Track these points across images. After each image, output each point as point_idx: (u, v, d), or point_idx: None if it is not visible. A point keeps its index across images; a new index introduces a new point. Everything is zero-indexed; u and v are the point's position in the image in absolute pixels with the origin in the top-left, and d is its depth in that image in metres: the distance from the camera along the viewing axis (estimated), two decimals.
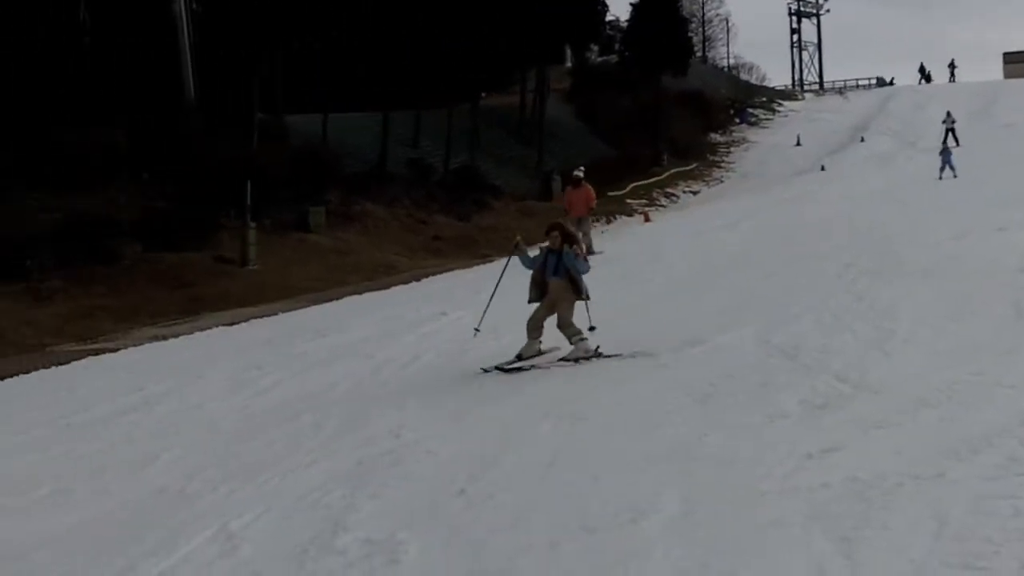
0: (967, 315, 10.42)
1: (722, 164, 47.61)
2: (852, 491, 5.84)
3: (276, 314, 17.98)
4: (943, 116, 39.88)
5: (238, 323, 17.29)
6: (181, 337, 16.55)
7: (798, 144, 48.18)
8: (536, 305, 10.80)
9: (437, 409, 9.29)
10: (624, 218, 35.39)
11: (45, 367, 14.61)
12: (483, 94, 41.83)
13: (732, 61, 70.11)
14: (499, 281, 11.74)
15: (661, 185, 42.35)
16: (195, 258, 23.14)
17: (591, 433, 7.82)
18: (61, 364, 14.80)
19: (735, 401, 8.20)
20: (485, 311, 11.69)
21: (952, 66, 64.52)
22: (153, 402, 11.17)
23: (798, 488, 6.04)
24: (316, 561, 5.88)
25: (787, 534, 5.39)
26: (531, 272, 10.88)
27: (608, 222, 34.23)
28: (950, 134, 37.86)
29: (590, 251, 20.30)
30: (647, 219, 31.44)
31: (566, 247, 10.65)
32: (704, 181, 44.19)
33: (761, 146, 49.83)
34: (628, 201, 38.69)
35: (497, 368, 10.49)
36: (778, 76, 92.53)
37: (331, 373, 11.67)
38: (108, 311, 19.32)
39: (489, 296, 11.83)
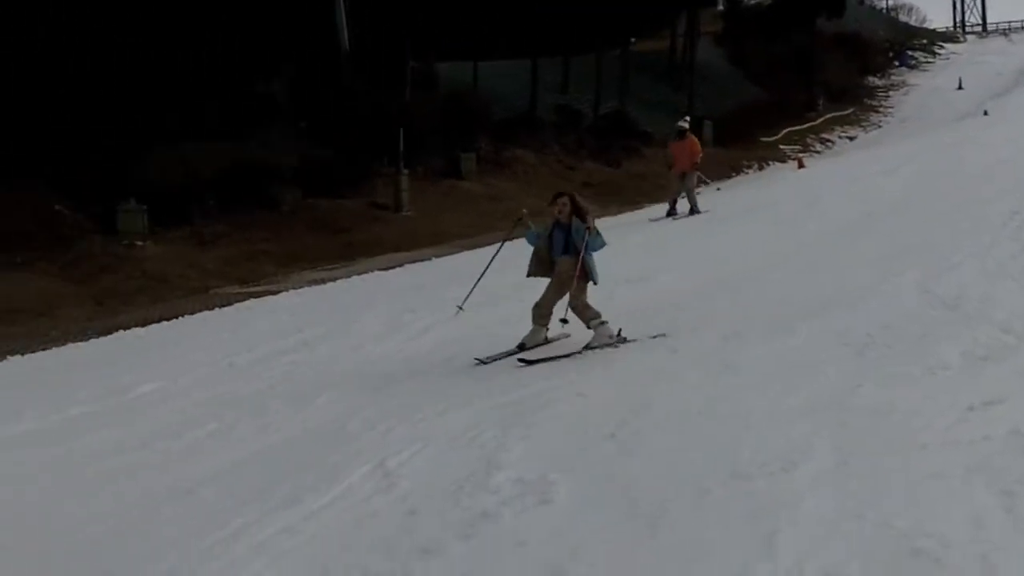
0: None
1: (880, 108, 46.14)
2: (1016, 444, 5.68)
3: (429, 259, 18.26)
4: None
5: (392, 268, 17.63)
6: (338, 281, 16.99)
7: (960, 87, 46.38)
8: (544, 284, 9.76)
9: (587, 354, 9.34)
10: (777, 164, 34.70)
11: (209, 309, 15.18)
12: (633, 39, 41.32)
13: (890, 2, 67.58)
14: (491, 260, 11.70)
15: (815, 131, 41.28)
16: (351, 204, 23.66)
17: (742, 382, 7.75)
18: (224, 306, 15.37)
19: (893, 352, 8.02)
20: (472, 290, 11.70)
21: None
22: (313, 343, 11.54)
23: (959, 440, 5.91)
24: (471, 498, 6.02)
25: (946, 486, 5.29)
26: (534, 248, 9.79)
27: (760, 168, 33.63)
28: None
29: (694, 210, 20.00)
30: (801, 165, 30.70)
31: (575, 220, 9.44)
32: (861, 126, 42.91)
33: (921, 90, 48.10)
34: (781, 147, 37.89)
35: (487, 360, 9.53)
36: (939, 18, 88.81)
37: (482, 317, 11.81)
38: (269, 255, 19.97)
39: (479, 275, 11.82)
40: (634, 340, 9.38)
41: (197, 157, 22.69)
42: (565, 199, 9.49)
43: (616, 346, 9.33)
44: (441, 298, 13.41)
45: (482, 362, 9.45)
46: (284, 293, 16.39)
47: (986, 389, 6.72)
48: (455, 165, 28.21)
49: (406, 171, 25.01)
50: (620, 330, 9.49)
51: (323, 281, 17.24)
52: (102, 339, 13.96)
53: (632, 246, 15.67)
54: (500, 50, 34.66)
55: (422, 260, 18.29)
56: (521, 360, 9.16)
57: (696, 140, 20.94)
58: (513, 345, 9.68)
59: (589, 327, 9.49)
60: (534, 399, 7.98)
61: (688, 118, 22.31)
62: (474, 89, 32.44)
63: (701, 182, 22.58)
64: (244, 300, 15.82)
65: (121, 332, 14.24)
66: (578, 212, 9.44)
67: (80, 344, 13.83)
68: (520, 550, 5.25)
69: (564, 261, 9.44)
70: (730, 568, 4.68)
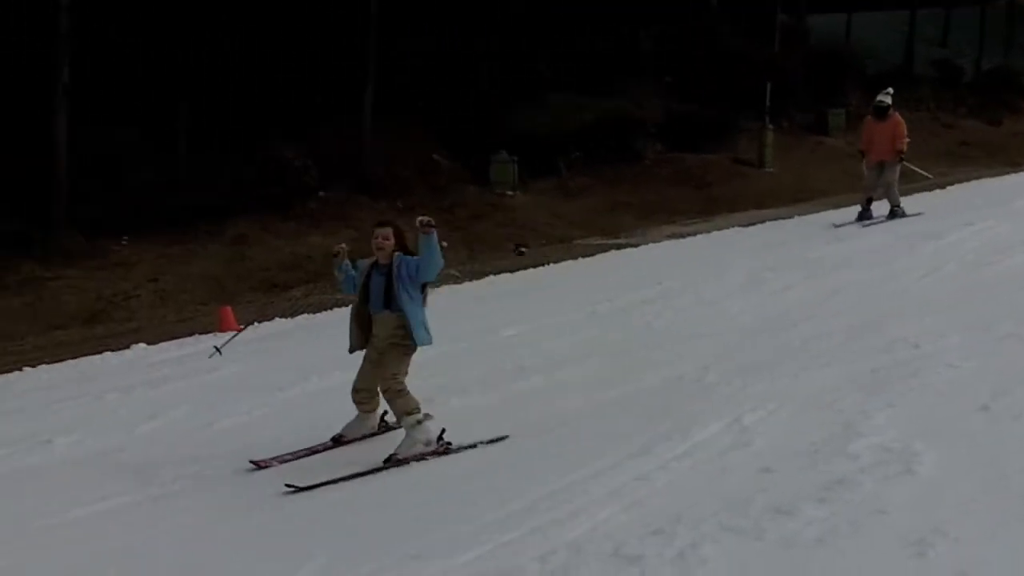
0: None
1: None
2: None
3: (791, 217, 17.92)
4: None
5: (752, 224, 17.45)
6: (698, 236, 17.03)
7: None
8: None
9: (959, 322, 8.90)
10: None
11: (572, 258, 15.65)
12: None
13: None
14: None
15: None
16: (713, 159, 23.54)
17: None
18: (586, 256, 15.79)
19: None
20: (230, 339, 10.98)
21: None
22: (671, 296, 11.68)
23: None
24: (828, 462, 5.93)
25: None
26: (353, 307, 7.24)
27: None
28: None
29: (895, 211, 16.05)
30: None
31: (397, 257, 6.91)
32: None
33: None
34: None
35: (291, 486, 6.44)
36: None
37: (842, 279, 11.51)
38: (630, 207, 20.28)
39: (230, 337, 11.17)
40: (466, 447, 7.02)
41: (564, 110, 23.25)
42: (388, 230, 6.98)
43: (427, 457, 6.81)
44: (802, 257, 13.18)
45: None
46: (644, 246, 16.62)
47: None
48: (823, 121, 27.38)
49: (771, 126, 24.57)
50: (443, 432, 6.95)
51: (682, 236, 17.33)
52: (473, 283, 14.72)
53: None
54: (875, 1, 33.18)
55: (784, 218, 17.94)
56: (289, 486, 6.38)
57: (902, 120, 16.33)
58: None
59: (400, 424, 6.97)
60: (901, 367, 7.71)
61: (891, 90, 16.78)
62: (846, 42, 31.26)
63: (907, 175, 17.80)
64: (606, 251, 16.18)
65: (491, 277, 14.96)
66: (404, 247, 6.99)
67: (454, 287, 14.62)
68: (879, 518, 5.14)
69: (383, 320, 6.94)
70: None
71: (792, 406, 7.06)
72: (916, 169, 17.62)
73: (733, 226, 17.42)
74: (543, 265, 15.34)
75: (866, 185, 16.37)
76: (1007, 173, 21.83)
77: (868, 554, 4.78)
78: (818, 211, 18.47)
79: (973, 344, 8.12)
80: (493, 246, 17.70)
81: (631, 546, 5.06)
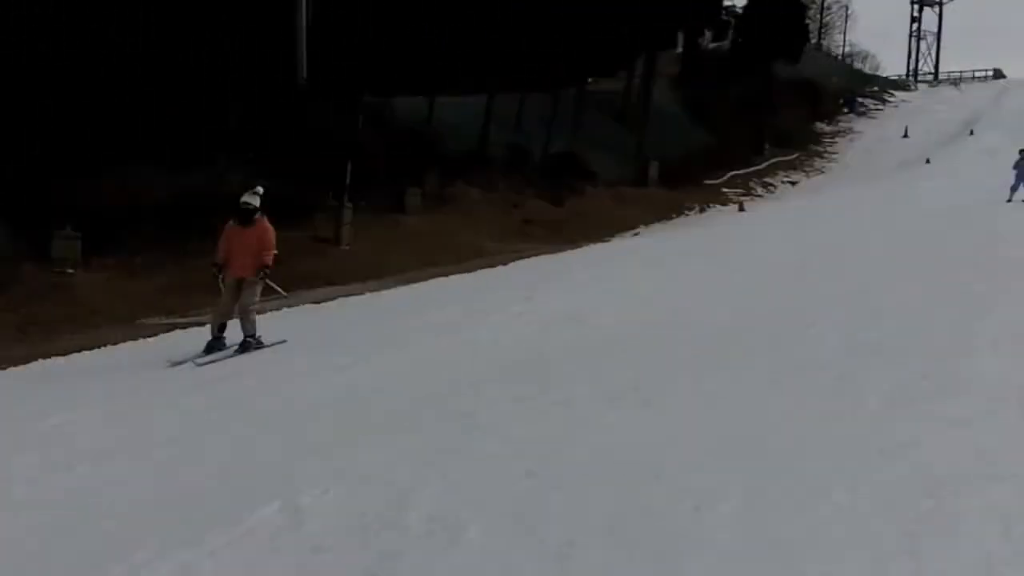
0: None
1: (825, 154, 46.74)
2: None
3: (363, 294, 18.12)
4: None
5: (324, 301, 17.47)
6: (269, 313, 16.79)
7: (905, 136, 47.07)
8: None
9: (513, 391, 9.25)
10: (718, 207, 34.94)
11: (133, 339, 14.93)
12: (590, 79, 41.55)
13: (847, 49, 68.75)
14: None
15: (760, 175, 41.72)
16: (292, 236, 23.36)
17: (662, 423, 7.71)
18: (149, 336, 15.12)
19: (814, 388, 8.06)
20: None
21: None
22: (241, 374, 11.34)
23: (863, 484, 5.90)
24: (378, 537, 5.90)
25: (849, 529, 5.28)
26: None
27: (701, 211, 33.90)
28: None
29: (247, 343, 13.06)
30: (741, 208, 30.98)
31: None
32: (804, 171, 43.41)
33: (867, 137, 48.81)
34: (724, 190, 38.23)
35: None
36: (893, 65, 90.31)
37: (418, 352, 11.71)
38: (204, 286, 19.66)
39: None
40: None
41: (139, 183, 22.41)
42: None
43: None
44: (374, 333, 13.29)
45: None
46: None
47: (900, 430, 6.74)
48: (400, 200, 28.15)
49: (350, 205, 24.90)
50: None
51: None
52: (14, 370, 13.63)
53: None
54: (457, 85, 34.69)
55: (355, 295, 18.11)
56: None
57: (270, 228, 13.27)
58: None
59: None
60: (459, 436, 7.87)
61: (260, 190, 13.58)
62: (428, 124, 32.45)
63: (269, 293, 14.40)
64: (170, 331, 15.58)
65: (42, 361, 13.92)
66: None
67: None
68: None
69: None
70: None
71: (347, 484, 6.99)
72: (275, 287, 14.19)
73: (306, 303, 17.34)
74: (101, 347, 14.51)
75: (220, 308, 13.34)
76: (566, 250, 23.31)
77: None
78: (390, 288, 18.81)
79: (523, 413, 8.44)
80: (48, 329, 16.53)
81: None
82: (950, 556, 4.83)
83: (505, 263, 20.57)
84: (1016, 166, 24.32)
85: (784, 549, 5.12)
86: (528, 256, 21.83)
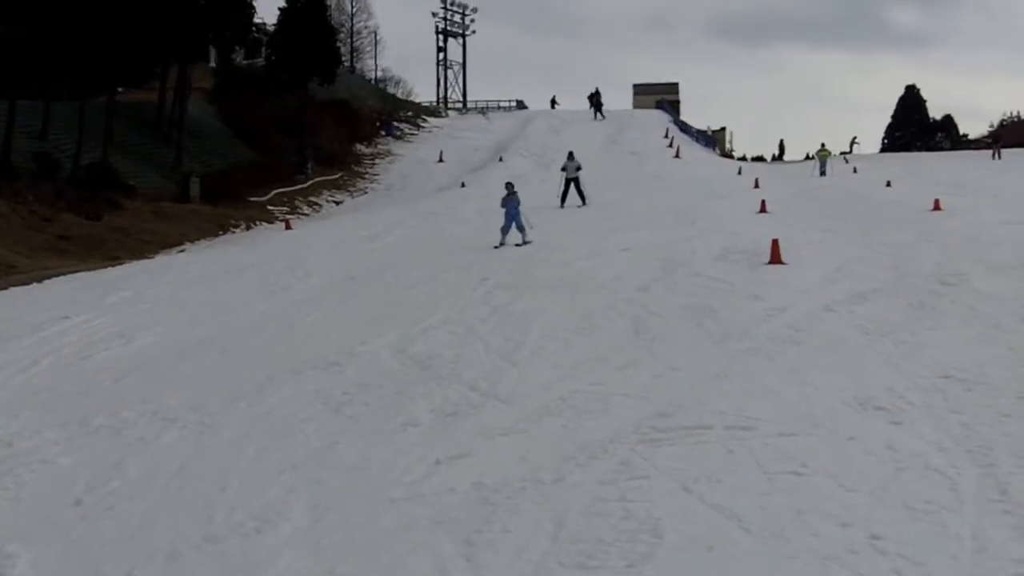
0: (592, 329, 11.02)
1: (367, 175, 47.85)
2: (477, 496, 6.03)
3: None
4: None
5: None
6: None
7: (440, 160, 49.21)
8: None
9: (55, 416, 8.74)
10: (265, 224, 34.75)
11: None
12: (120, 89, 39.85)
13: (380, 74, 70.84)
14: None
15: (304, 193, 41.98)
16: None
17: (222, 442, 7.62)
18: None
19: (369, 409, 8.27)
20: None
21: (594, 96, 67.81)
22: None
23: (425, 493, 6.18)
24: None
25: (413, 538, 5.49)
26: None
27: (248, 228, 33.61)
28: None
29: None
30: (288, 226, 31.04)
31: None
32: (348, 191, 44.22)
33: (406, 160, 50.54)
34: (270, 208, 38.08)
35: None
36: (426, 92, 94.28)
37: None
38: None
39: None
40: None
41: None
42: None
43: None
44: None
45: None
46: None
47: (453, 444, 7.10)
48: None
49: None
50: None
51: None
52: None
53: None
54: None
55: None
56: None
57: None
58: None
59: None
60: None
61: None
62: None
63: None
64: None
65: None
66: None
67: None
68: None
69: None
70: None
71: None
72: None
73: None
74: None
75: None
76: (106, 267, 22.20)
77: None
78: None
79: (68, 438, 8.01)
80: None
81: None
82: (505, 560, 5.17)
83: (40, 281, 19.25)
84: (504, 203, 19.78)
85: (352, 561, 5.25)
86: (65, 273, 20.56)
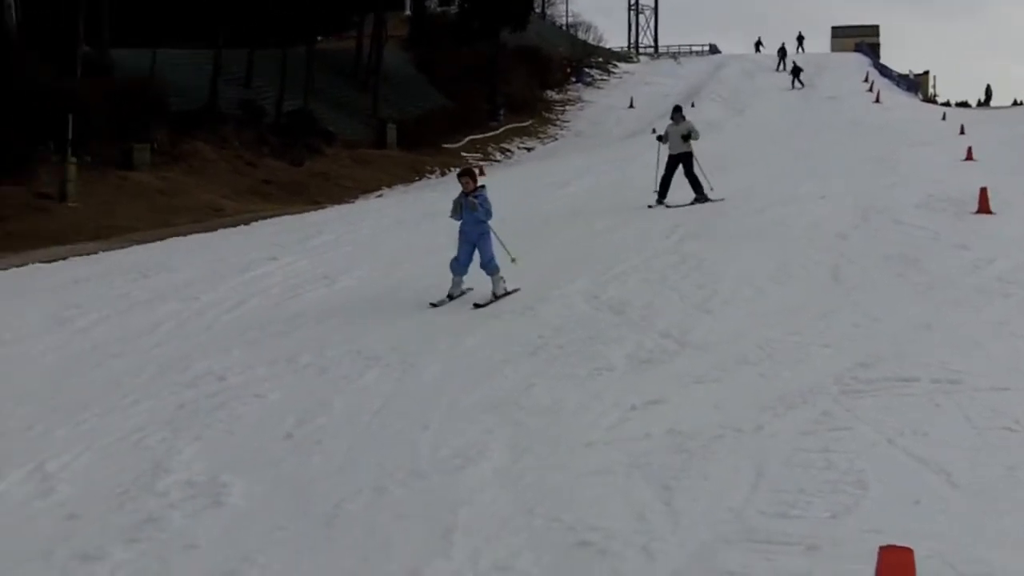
0: (787, 278, 10.83)
1: (557, 122, 47.98)
2: (673, 442, 6.04)
3: (96, 253, 17.31)
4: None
5: (55, 261, 16.59)
6: None
7: (631, 106, 48.89)
8: None
9: (264, 353, 9.15)
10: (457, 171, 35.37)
11: None
12: (319, 37, 40.95)
13: (570, 20, 70.56)
14: None
15: (496, 140, 42.44)
16: (9, 191, 22.06)
17: (422, 382, 7.83)
18: None
19: (563, 353, 8.34)
20: None
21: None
22: None
23: (621, 438, 6.21)
24: (135, 502, 5.76)
25: (610, 482, 5.55)
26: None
27: (442, 174, 34.18)
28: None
29: None
30: (481, 173, 31.44)
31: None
32: (539, 138, 44.46)
33: (596, 106, 50.41)
34: (463, 154, 38.69)
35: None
36: (615, 38, 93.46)
37: (154, 314, 11.33)
38: None
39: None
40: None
41: None
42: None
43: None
44: (108, 294, 12.76)
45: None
46: None
47: (647, 390, 7.11)
48: (128, 156, 26.88)
49: (74, 160, 23.61)
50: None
51: None
52: None
53: None
54: (181, 38, 33.38)
55: (88, 254, 17.26)
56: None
57: None
58: None
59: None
60: (208, 400, 7.72)
61: None
62: (152, 77, 31.09)
63: None
64: None
65: None
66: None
67: None
68: (190, 553, 5.07)
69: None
70: (406, 564, 4.70)
71: (98, 448, 6.75)
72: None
73: (33, 262, 16.40)
74: None
75: None
76: (308, 211, 23.01)
77: None
78: (125, 247, 18.06)
79: (277, 376, 8.37)
80: None
81: None
82: (704, 506, 5.16)
83: (247, 223, 20.12)
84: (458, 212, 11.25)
85: (551, 501, 5.34)
86: (269, 216, 21.42)
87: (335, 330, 9.87)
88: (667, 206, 17.03)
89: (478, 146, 40.83)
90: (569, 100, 52.52)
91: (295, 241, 16.28)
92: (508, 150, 41.66)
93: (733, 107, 45.93)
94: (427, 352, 8.68)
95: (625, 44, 75.07)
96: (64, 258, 16.76)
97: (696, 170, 17.47)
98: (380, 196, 28.67)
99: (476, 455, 6.06)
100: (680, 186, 17.24)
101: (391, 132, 38.04)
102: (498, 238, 10.85)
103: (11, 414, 7.73)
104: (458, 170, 11.48)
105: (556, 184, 22.38)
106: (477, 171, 11.72)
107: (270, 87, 35.61)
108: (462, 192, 10.73)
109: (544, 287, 10.92)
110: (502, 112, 45.68)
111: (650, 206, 17.23)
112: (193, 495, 5.81)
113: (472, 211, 10.59)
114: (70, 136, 23.41)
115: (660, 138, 17.94)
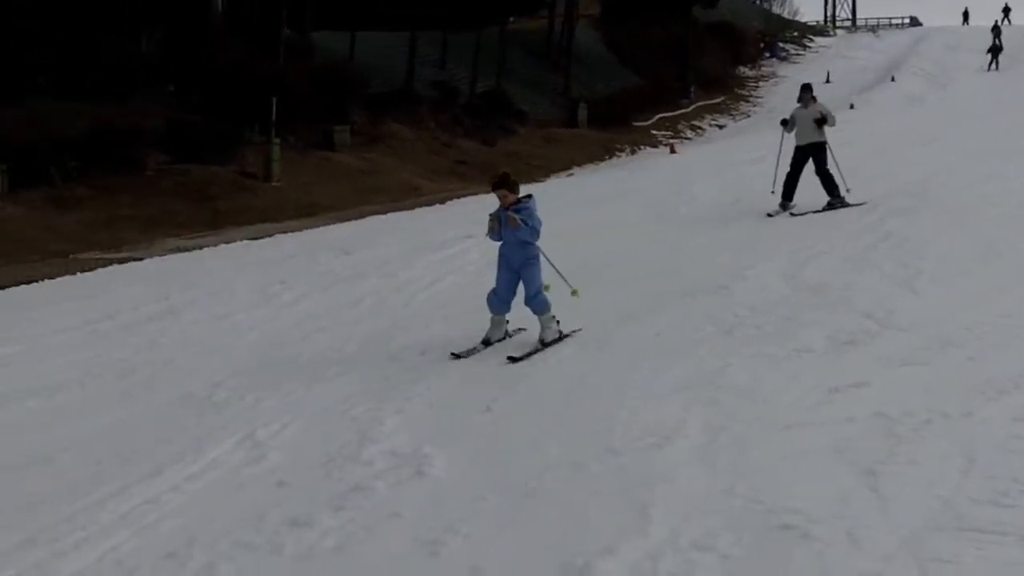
0: (996, 257, 10.36)
1: (750, 98, 47.12)
2: (879, 426, 5.86)
3: (300, 230, 17.99)
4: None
5: (261, 238, 17.32)
6: (205, 249, 16.61)
7: (827, 81, 47.52)
8: None
9: (462, 329, 9.31)
10: (649, 149, 35.16)
11: (71, 273, 14.66)
12: (511, 18, 41.36)
13: None
14: None
15: (687, 117, 42.00)
16: (219, 172, 23.10)
17: (617, 359, 7.84)
18: (86, 271, 14.86)
19: (760, 333, 8.21)
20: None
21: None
22: (179, 311, 11.25)
23: (822, 421, 6.08)
24: (342, 471, 5.96)
25: (812, 464, 5.44)
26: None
27: (632, 152, 34.07)
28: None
29: None
30: (673, 150, 31.17)
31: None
32: (731, 115, 43.77)
33: (790, 82, 49.07)
34: (653, 132, 38.44)
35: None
36: (810, 11, 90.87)
37: (355, 290, 11.69)
38: (132, 220, 19.36)
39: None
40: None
41: (59, 116, 21.82)
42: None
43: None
44: (312, 270, 13.24)
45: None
46: (148, 260, 15.93)
47: (849, 372, 6.92)
48: (328, 137, 27.81)
49: (278, 140, 24.56)
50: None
51: (188, 249, 16.82)
52: None
53: None
54: (378, 22, 34.24)
55: (292, 231, 17.96)
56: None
57: None
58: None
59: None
60: (409, 373, 7.93)
61: None
62: (351, 60, 32.02)
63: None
64: (106, 266, 15.32)
65: None
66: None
67: None
68: (394, 521, 5.22)
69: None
70: (605, 540, 4.72)
71: (305, 418, 7.02)
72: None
73: (241, 239, 17.16)
74: (37, 281, 14.22)
75: None
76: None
77: (384, 557, 4.87)
78: (327, 224, 18.70)
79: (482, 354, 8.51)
80: None
81: (143, 572, 4.82)
82: (912, 493, 5.00)
83: (442, 202, 20.54)
84: (497, 228, 8.76)
85: (751, 481, 5.27)
86: (465, 195, 21.80)
87: (525, 309, 9.94)
88: (792, 213, 14.37)
89: (668, 123, 40.49)
90: (762, 76, 51.49)
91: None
92: (699, 127, 41.17)
93: (936, 81, 44.13)
94: (620, 330, 8.68)
95: (820, 18, 73.01)
96: (269, 235, 17.47)
97: (831, 165, 14.49)
98: (570, 175, 28.75)
99: (672, 433, 6.03)
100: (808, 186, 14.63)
101: (582, 111, 38.11)
102: (551, 263, 8.82)
103: (224, 384, 8.10)
104: (493, 180, 8.88)
105: (750, 160, 21.94)
106: (506, 182, 8.46)
107: (463, 68, 36.17)
108: (499, 207, 8.59)
109: (739, 266, 10.76)
110: (692, 89, 45.14)
111: (769, 214, 14.47)
112: (397, 465, 5.97)
113: (514, 229, 8.39)
114: (273, 118, 24.35)
115: (784, 123, 15.03)
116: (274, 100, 24.47)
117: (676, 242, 13.15)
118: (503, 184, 8.50)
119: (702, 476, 5.41)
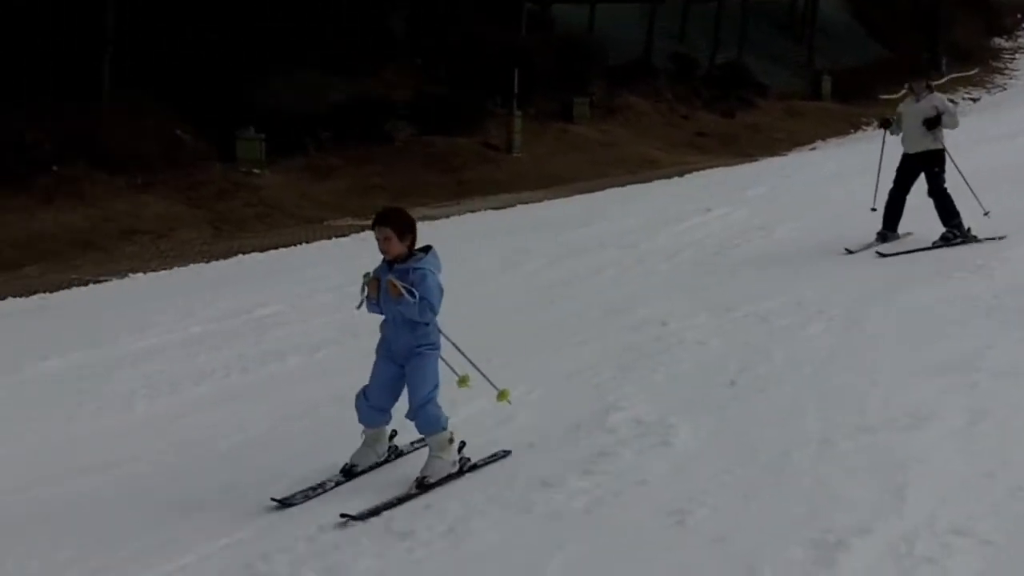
0: None
1: (1006, 71, 44.61)
2: None
3: (540, 201, 18.27)
4: None
5: (503, 208, 17.69)
6: (451, 218, 17.10)
7: None
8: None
9: (702, 301, 9.29)
10: None
11: (326, 239, 15.39)
12: None
13: None
14: None
15: (939, 90, 40.11)
16: (463, 143, 23.69)
17: (865, 336, 7.66)
18: (340, 237, 15.57)
19: (1022, 316, 7.84)
20: None
21: None
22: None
23: None
24: (589, 436, 6.07)
25: None
26: None
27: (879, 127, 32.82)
28: None
29: None
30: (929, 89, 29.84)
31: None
32: (985, 88, 41.54)
33: None
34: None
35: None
36: None
37: (596, 260, 11.81)
38: (382, 190, 20.11)
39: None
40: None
41: (314, 88, 22.81)
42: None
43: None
44: (554, 240, 13.44)
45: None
46: None
47: None
48: (568, 109, 28.05)
49: (519, 112, 24.97)
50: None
51: (435, 218, 17.35)
52: (221, 262, 14.27)
53: None
54: None
55: (534, 202, 18.27)
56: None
57: None
58: None
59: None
60: (652, 343, 7.98)
61: None
62: (589, 32, 32.13)
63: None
64: (359, 232, 16.00)
65: (240, 256, 14.53)
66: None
67: (202, 265, 14.17)
68: (640, 488, 5.29)
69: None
70: (857, 519, 4.64)
71: (552, 383, 7.17)
72: None
73: (485, 209, 17.58)
74: (296, 245, 15.02)
75: None
76: (740, 163, 22.99)
77: (631, 523, 4.92)
78: (567, 196, 18.92)
79: (716, 323, 8.48)
80: (239, 226, 17.17)
81: (401, 522, 5.05)
82: None
83: (680, 175, 20.44)
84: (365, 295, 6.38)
85: (1013, 469, 5.08)
86: (701, 169, 21.63)
87: (773, 280, 9.85)
88: (880, 253, 10.63)
89: None
90: (1020, 48, 48.58)
91: (728, 192, 16.33)
92: (951, 100, 39.29)
93: None
94: (870, 307, 8.47)
95: None
96: (512, 205, 17.82)
97: (948, 184, 10.86)
98: (814, 149, 28.00)
99: (929, 414, 5.86)
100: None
101: (826, 84, 37.00)
102: (465, 355, 6.11)
103: (473, 346, 8.35)
104: (377, 214, 5.72)
105: (1006, 135, 20.83)
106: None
107: (703, 40, 35.69)
108: (383, 261, 5.64)
109: (999, 246, 10.28)
110: (944, 61, 43.04)
111: (849, 250, 10.77)
112: (641, 433, 6.02)
113: (395, 301, 5.49)
114: (515, 90, 24.72)
115: (886, 124, 11.50)
116: (516, 72, 24.84)
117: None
118: (386, 221, 5.56)
119: (960, 459, 5.25)
